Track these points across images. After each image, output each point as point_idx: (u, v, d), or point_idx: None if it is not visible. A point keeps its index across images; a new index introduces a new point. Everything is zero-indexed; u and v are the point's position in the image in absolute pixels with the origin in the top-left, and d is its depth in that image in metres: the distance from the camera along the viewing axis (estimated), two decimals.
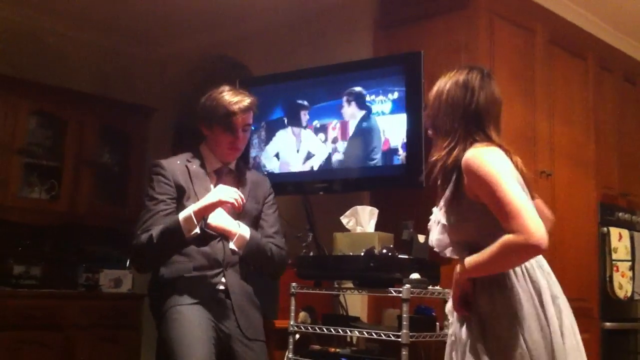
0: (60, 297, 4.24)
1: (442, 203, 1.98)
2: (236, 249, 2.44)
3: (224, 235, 2.45)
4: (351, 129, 3.57)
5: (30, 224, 4.38)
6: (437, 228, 2.02)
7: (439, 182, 2.00)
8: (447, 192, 1.95)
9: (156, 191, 2.43)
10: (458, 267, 1.93)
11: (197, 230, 2.34)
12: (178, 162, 2.51)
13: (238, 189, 2.45)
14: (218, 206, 2.36)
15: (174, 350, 2.24)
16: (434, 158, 1.99)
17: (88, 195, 4.59)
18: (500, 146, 1.93)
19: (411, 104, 3.40)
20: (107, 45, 4.95)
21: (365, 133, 3.53)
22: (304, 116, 3.73)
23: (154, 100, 4.96)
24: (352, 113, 3.57)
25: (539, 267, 1.92)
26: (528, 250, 1.75)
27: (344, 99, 3.59)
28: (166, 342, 2.30)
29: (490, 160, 1.85)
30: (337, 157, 3.62)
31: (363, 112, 3.54)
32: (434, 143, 2.05)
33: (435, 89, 2.06)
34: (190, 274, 2.39)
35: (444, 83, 2.03)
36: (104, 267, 4.46)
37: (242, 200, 2.39)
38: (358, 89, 3.56)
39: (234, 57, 4.73)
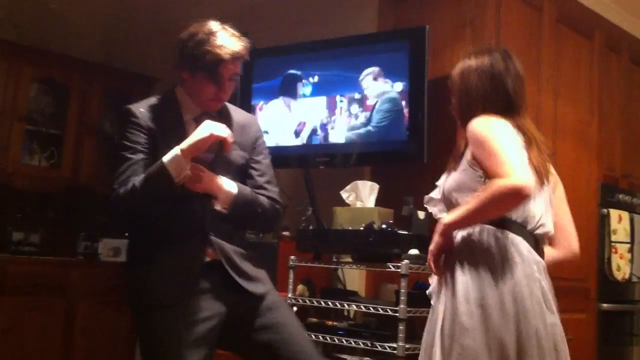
0: (59, 264, 4.26)
1: (448, 170, 2.05)
2: (221, 209, 2.10)
3: (205, 194, 2.08)
4: (368, 103, 3.54)
5: (31, 191, 4.39)
6: (436, 190, 2.09)
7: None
8: (455, 161, 2.01)
9: (131, 140, 2.07)
10: (444, 218, 1.93)
11: (188, 171, 1.99)
12: (150, 107, 2.14)
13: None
14: (209, 141, 2.01)
15: None
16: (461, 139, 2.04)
17: (90, 163, 4.59)
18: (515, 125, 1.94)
19: (414, 79, 3.37)
20: (112, 13, 4.91)
21: (377, 109, 3.51)
22: (300, 88, 3.70)
23: (157, 69, 4.92)
24: (371, 90, 3.54)
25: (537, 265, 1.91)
26: (512, 193, 1.75)
27: (365, 78, 3.54)
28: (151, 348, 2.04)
29: (490, 124, 1.89)
30: (338, 130, 3.60)
31: (382, 89, 3.50)
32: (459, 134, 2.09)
33: (457, 76, 2.06)
34: (170, 253, 2.04)
35: (468, 70, 2.03)
36: (103, 236, 4.47)
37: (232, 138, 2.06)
38: (376, 69, 3.52)
39: (238, 28, 4.68)
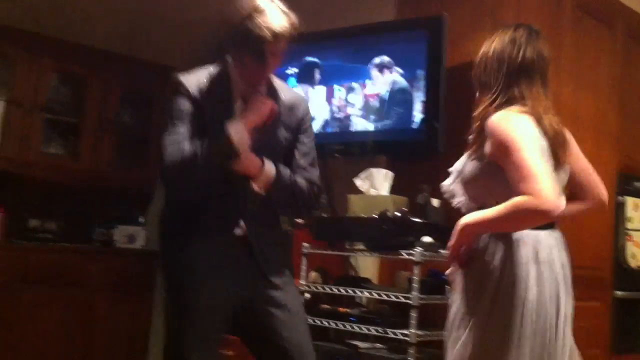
0: (76, 251, 4.30)
1: (467, 155, 1.99)
2: (259, 191, 2.06)
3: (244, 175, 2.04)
4: (380, 94, 3.52)
5: (50, 180, 4.42)
6: (453, 176, 2.03)
7: (471, 136, 1.99)
8: (474, 146, 1.96)
9: (179, 109, 2.04)
10: (463, 219, 1.91)
11: (248, 142, 1.97)
12: (200, 79, 2.09)
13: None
14: (265, 116, 2.02)
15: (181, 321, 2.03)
16: (475, 114, 1.98)
17: (107, 154, 4.61)
18: (531, 112, 1.90)
19: (432, 68, 3.35)
20: (132, 4, 4.93)
21: (392, 99, 3.49)
22: (317, 75, 3.70)
23: (178, 60, 4.93)
24: (379, 80, 3.52)
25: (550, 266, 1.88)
26: (538, 215, 1.71)
27: (372, 66, 3.53)
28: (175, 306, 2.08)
29: (513, 125, 1.84)
30: (354, 120, 3.59)
31: (391, 79, 3.49)
32: (477, 102, 2.04)
33: (482, 49, 2.04)
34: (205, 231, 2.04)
35: (491, 42, 2.02)
36: (119, 223, 4.51)
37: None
38: (386, 58, 3.50)
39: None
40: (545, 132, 1.89)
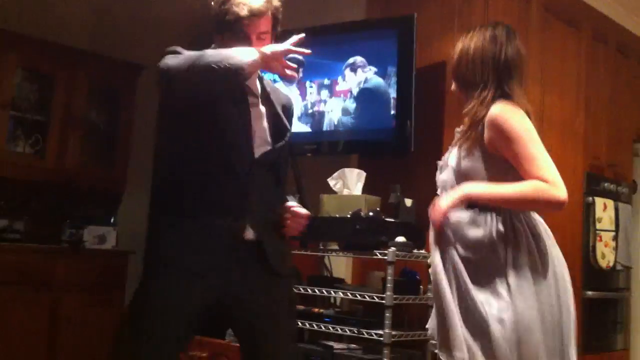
0: (45, 252, 4.23)
1: (458, 148, 2.02)
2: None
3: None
4: (351, 93, 3.53)
5: (16, 178, 4.34)
6: (446, 169, 2.05)
7: (462, 128, 2.04)
8: (469, 141, 1.98)
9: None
10: (468, 187, 1.93)
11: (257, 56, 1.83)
12: None
13: (267, 107, 2.05)
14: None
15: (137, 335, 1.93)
16: (467, 109, 2.02)
17: (75, 152, 4.54)
18: (523, 108, 1.98)
19: (403, 68, 3.37)
20: (99, 0, 4.86)
21: (364, 98, 3.50)
22: (300, 74, 3.70)
23: (145, 57, 4.88)
24: (352, 79, 3.53)
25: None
26: (554, 203, 1.85)
27: (345, 66, 3.54)
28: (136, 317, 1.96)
29: (517, 117, 1.92)
30: (327, 118, 3.60)
31: (362, 78, 3.50)
32: (461, 97, 2.09)
33: (459, 45, 2.09)
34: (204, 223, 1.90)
35: (469, 39, 2.06)
36: (89, 224, 4.44)
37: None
38: (359, 58, 3.51)
39: None
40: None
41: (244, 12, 1.94)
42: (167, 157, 2.02)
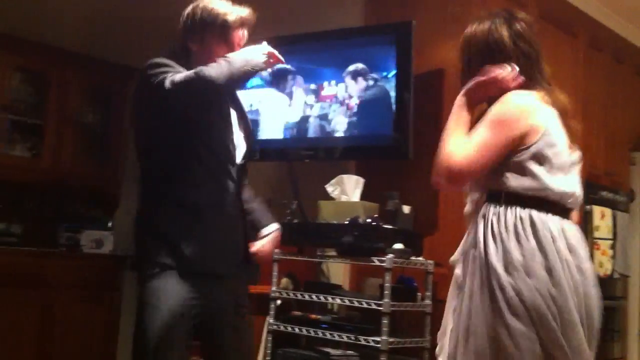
0: (41, 255, 4.21)
1: None
2: None
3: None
4: (354, 100, 3.54)
5: (13, 181, 4.33)
6: None
7: None
8: None
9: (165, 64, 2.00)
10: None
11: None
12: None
13: (237, 111, 2.15)
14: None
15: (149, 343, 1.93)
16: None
17: (71, 154, 4.53)
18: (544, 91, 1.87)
19: (401, 74, 3.37)
20: (94, 3, 4.86)
21: (364, 105, 3.51)
22: (290, 80, 3.70)
23: (139, 60, 4.87)
24: (352, 86, 3.54)
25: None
26: (443, 164, 1.76)
27: (346, 73, 3.54)
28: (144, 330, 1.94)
29: (508, 105, 1.79)
30: (324, 124, 3.60)
31: (363, 85, 3.50)
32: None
33: (471, 31, 1.96)
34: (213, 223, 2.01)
35: (467, 39, 1.95)
36: (86, 228, 4.43)
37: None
38: (360, 65, 3.51)
39: None
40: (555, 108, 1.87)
41: (235, 17, 2.08)
42: (158, 160, 2.05)
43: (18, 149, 4.39)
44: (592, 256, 3.94)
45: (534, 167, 1.76)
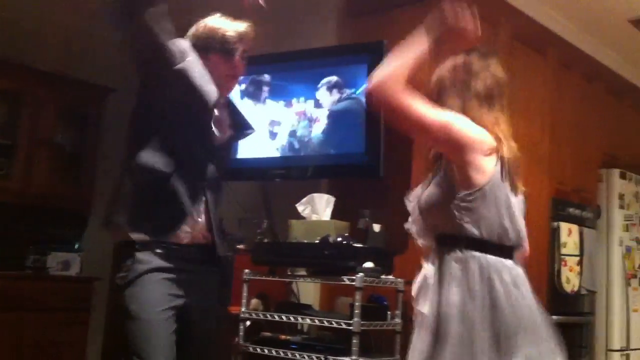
0: (8, 278, 4.14)
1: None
2: None
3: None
4: (321, 117, 3.54)
5: None
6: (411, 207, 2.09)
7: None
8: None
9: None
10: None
11: None
12: None
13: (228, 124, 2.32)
14: None
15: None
16: None
17: (42, 175, 4.48)
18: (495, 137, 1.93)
19: None
20: (68, 23, 4.82)
21: (335, 120, 3.51)
22: (264, 92, 3.70)
23: (112, 80, 4.85)
24: (326, 99, 3.54)
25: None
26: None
27: (321, 84, 3.55)
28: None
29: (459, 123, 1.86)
30: (296, 142, 3.60)
31: (336, 98, 3.51)
32: None
33: (435, 77, 2.04)
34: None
35: (444, 70, 2.02)
36: (52, 249, 4.36)
37: None
38: (334, 78, 3.53)
39: None
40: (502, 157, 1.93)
41: (235, 32, 2.27)
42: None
43: None
44: (559, 272, 3.98)
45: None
